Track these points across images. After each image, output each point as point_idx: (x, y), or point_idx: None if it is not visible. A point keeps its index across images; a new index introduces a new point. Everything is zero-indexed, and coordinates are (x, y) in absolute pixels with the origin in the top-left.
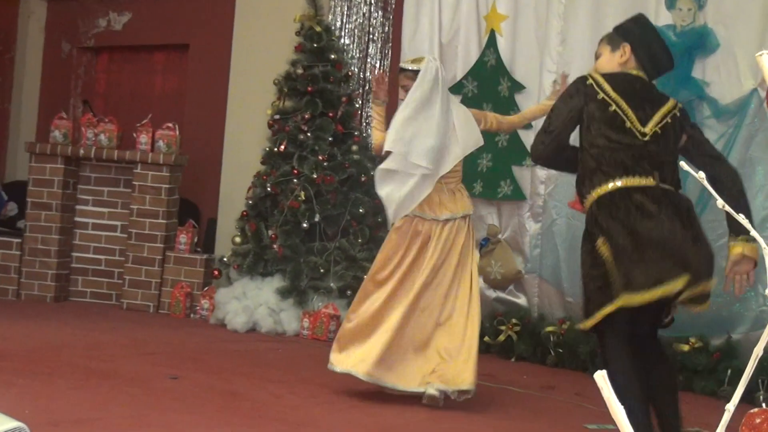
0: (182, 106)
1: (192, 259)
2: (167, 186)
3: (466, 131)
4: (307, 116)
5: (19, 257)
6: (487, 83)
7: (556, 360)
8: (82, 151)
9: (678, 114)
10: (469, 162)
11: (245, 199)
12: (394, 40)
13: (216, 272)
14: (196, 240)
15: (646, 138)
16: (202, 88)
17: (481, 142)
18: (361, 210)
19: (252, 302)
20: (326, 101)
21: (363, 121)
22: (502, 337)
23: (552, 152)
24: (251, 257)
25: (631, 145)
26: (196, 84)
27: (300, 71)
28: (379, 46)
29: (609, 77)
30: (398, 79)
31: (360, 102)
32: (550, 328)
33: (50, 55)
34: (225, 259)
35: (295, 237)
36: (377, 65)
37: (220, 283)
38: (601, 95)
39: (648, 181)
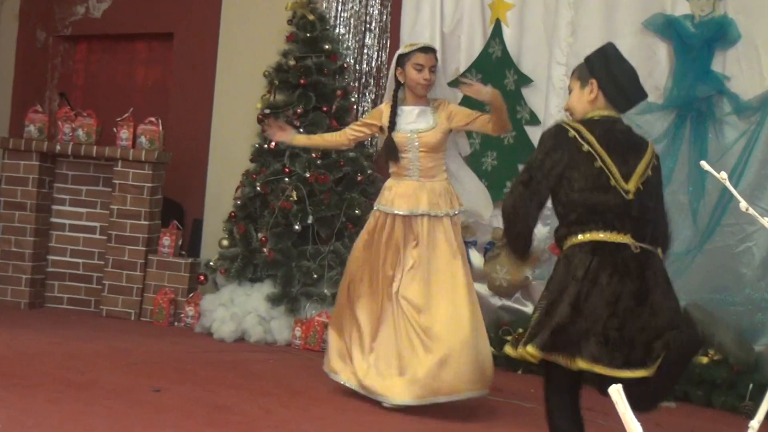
0: (166, 100)
1: (176, 264)
2: (150, 185)
3: None
4: (299, 111)
5: None
6: (492, 76)
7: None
8: (58, 147)
9: (656, 162)
10: (474, 161)
11: (233, 200)
12: (392, 30)
13: (202, 277)
14: (180, 243)
15: (630, 196)
16: (188, 79)
17: None
18: (357, 211)
19: (240, 310)
20: (320, 95)
21: (359, 116)
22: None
23: (534, 209)
24: (239, 261)
25: (613, 206)
26: (181, 75)
27: (292, 62)
28: (377, 36)
29: (590, 125)
30: (421, 59)
31: (356, 96)
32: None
33: (24, 44)
34: (211, 264)
35: (287, 240)
36: (374, 56)
37: (206, 289)
38: (586, 147)
39: (624, 239)
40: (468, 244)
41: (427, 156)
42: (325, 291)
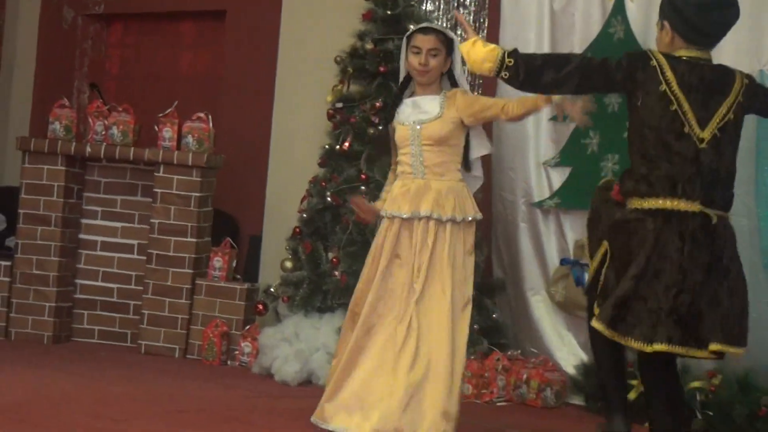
0: (217, 91)
1: (229, 290)
2: (198, 194)
3: None
4: (378, 104)
5: (8, 285)
6: None
7: (705, 425)
8: (88, 149)
9: (742, 99)
10: (592, 165)
11: (298, 212)
12: (491, 7)
13: (260, 306)
14: (234, 264)
15: (703, 144)
16: (243, 67)
17: None
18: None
19: (307, 346)
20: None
21: None
22: (633, 395)
23: (552, 86)
24: (306, 287)
25: (684, 158)
26: (235, 62)
27: (369, 46)
28: (472, 13)
29: (674, 63)
30: (418, 41)
31: (464, 34)
32: (695, 384)
33: (48, 25)
34: (272, 290)
35: (363, 261)
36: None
37: (266, 321)
38: (663, 86)
39: (692, 206)
40: (582, 266)
41: (432, 150)
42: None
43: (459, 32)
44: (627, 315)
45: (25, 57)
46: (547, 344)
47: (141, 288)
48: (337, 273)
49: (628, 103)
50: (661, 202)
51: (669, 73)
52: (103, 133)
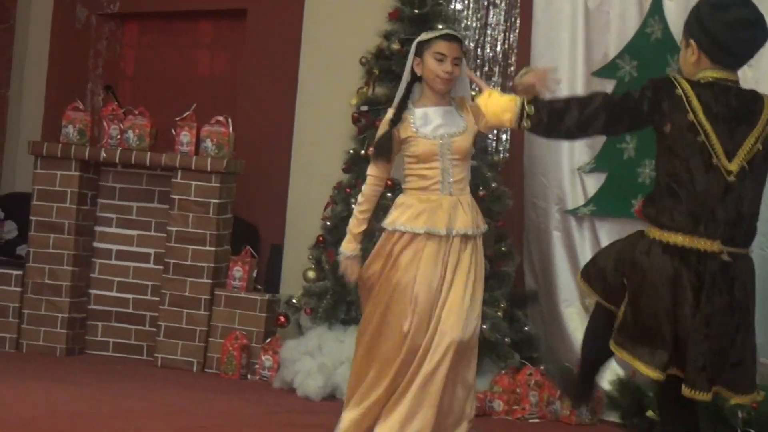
0: (237, 94)
1: (250, 301)
2: (217, 201)
3: None
4: None
5: (19, 295)
6: (651, 63)
7: None
8: (103, 154)
9: None
10: (629, 171)
11: (321, 220)
12: (522, 6)
13: (282, 318)
14: (255, 274)
15: (731, 177)
16: (264, 68)
17: None
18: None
19: (330, 360)
20: None
21: None
22: None
23: (578, 130)
24: (329, 298)
25: (710, 193)
26: (256, 63)
27: (396, 46)
28: (504, 12)
29: (699, 90)
30: (443, 48)
31: (477, 89)
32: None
33: (61, 25)
34: (294, 301)
35: None
36: (500, 38)
37: (288, 334)
38: (690, 116)
39: (713, 246)
40: None
41: (459, 165)
42: None
43: (473, 87)
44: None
45: (37, 58)
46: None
47: (157, 299)
48: None
49: (656, 131)
50: (681, 238)
51: (695, 102)
52: (118, 137)
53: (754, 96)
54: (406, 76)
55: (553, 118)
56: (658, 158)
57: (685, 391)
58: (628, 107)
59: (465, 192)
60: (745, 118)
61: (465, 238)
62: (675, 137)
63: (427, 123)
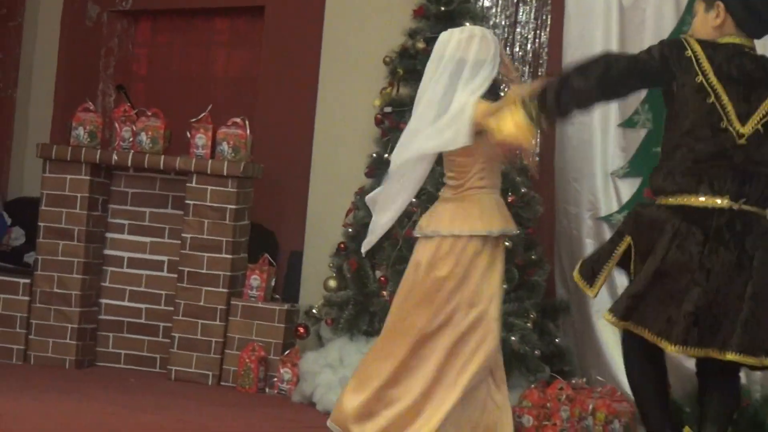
0: (255, 95)
1: (268, 311)
2: (233, 206)
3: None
4: None
5: (26, 305)
6: None
7: None
8: (115, 157)
9: None
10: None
11: (343, 227)
12: (554, 2)
13: (301, 329)
14: (273, 283)
15: (742, 140)
16: (283, 68)
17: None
18: (507, 243)
19: (352, 373)
20: None
21: None
22: None
23: (590, 97)
24: (351, 309)
25: (719, 153)
26: (275, 63)
27: (421, 45)
28: (534, 10)
29: (711, 51)
30: None
31: (506, 89)
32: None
33: (71, 22)
34: (314, 311)
35: None
36: (530, 37)
37: (308, 345)
38: (700, 78)
39: (720, 202)
40: None
41: None
42: None
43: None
44: (643, 307)
45: (46, 57)
46: (614, 372)
47: (171, 308)
48: (385, 293)
49: (664, 96)
50: (685, 199)
51: (705, 64)
52: (131, 139)
53: (766, 61)
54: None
55: (559, 93)
56: (666, 127)
57: (674, 348)
58: (637, 65)
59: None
60: (763, 81)
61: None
62: (682, 101)
63: None
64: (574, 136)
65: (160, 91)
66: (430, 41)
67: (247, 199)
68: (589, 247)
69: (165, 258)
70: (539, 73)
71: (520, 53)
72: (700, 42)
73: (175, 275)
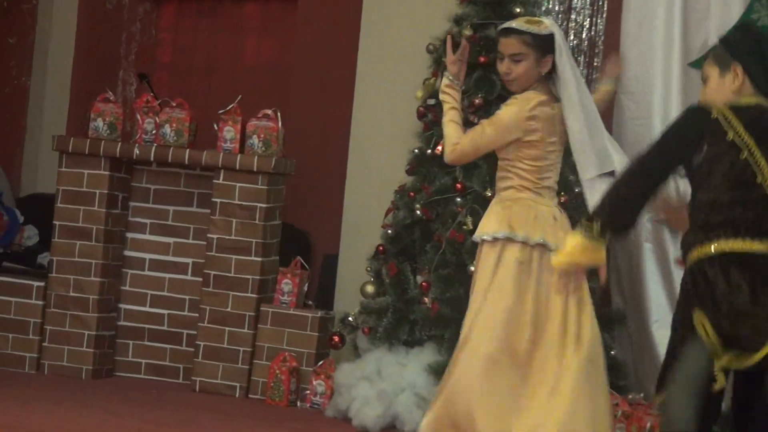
0: (287, 85)
1: (300, 318)
2: (264, 205)
3: None
4: (477, 101)
5: (41, 309)
6: None
7: None
8: (136, 151)
9: None
10: None
11: (382, 228)
12: None
13: (336, 338)
14: (306, 288)
15: None
16: (318, 56)
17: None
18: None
19: (391, 386)
20: None
21: None
22: None
23: (640, 197)
24: (390, 316)
25: (753, 204)
26: (309, 51)
27: (468, 32)
28: None
29: (738, 111)
30: (500, 47)
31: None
32: None
33: (90, 5)
34: (350, 319)
35: (458, 287)
36: (586, 24)
37: (343, 356)
38: (731, 135)
39: (759, 246)
40: None
41: (499, 163)
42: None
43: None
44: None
45: (62, 42)
46: None
47: (196, 315)
48: (427, 300)
49: (688, 166)
50: (730, 243)
51: (734, 121)
52: (154, 132)
53: None
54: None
55: (618, 207)
56: (693, 196)
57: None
58: (679, 146)
59: (500, 193)
60: None
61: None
62: (714, 161)
63: None
64: (632, 132)
65: (185, 80)
66: (478, 28)
67: (278, 197)
68: (648, 251)
69: (189, 260)
70: (595, 64)
71: (575, 42)
72: (728, 106)
73: (200, 279)
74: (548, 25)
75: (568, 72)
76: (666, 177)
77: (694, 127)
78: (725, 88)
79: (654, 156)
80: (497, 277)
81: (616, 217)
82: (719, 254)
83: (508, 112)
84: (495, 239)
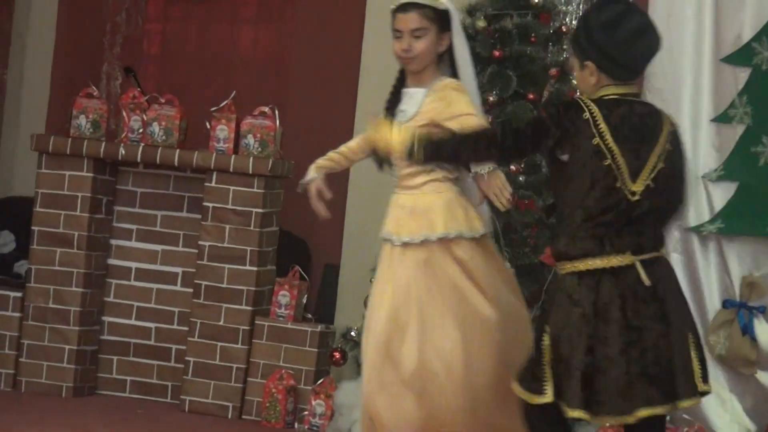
0: (285, 80)
1: (298, 333)
2: (260, 210)
3: None
4: (492, 99)
5: (17, 322)
6: None
7: None
8: (122, 151)
9: (670, 147)
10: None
11: None
12: None
13: (337, 355)
14: (305, 300)
15: (636, 197)
16: (318, 49)
17: None
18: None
19: None
20: (524, 74)
21: None
22: None
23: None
24: None
25: (614, 213)
26: (309, 43)
27: (481, 24)
28: None
29: (606, 110)
30: (398, 23)
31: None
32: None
33: None
34: (352, 334)
35: None
36: None
37: (344, 374)
38: (597, 140)
39: (625, 260)
40: (752, 310)
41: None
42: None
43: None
44: (597, 393)
45: (41, 32)
46: (703, 408)
47: (185, 329)
48: None
49: (550, 158)
50: (593, 261)
51: (602, 125)
52: (141, 130)
53: (650, 112)
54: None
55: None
56: (557, 189)
57: (644, 412)
58: (535, 131)
59: (418, 191)
60: (647, 137)
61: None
62: (578, 164)
63: (400, 106)
64: None
65: (174, 74)
66: (492, 20)
67: (275, 201)
68: (676, 263)
69: (179, 270)
70: None
71: None
72: (595, 101)
73: (191, 290)
74: (443, 0)
75: (466, 51)
76: (510, 157)
77: (568, 116)
78: (586, 81)
79: (514, 133)
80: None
81: (435, 154)
82: (587, 272)
83: (468, 97)
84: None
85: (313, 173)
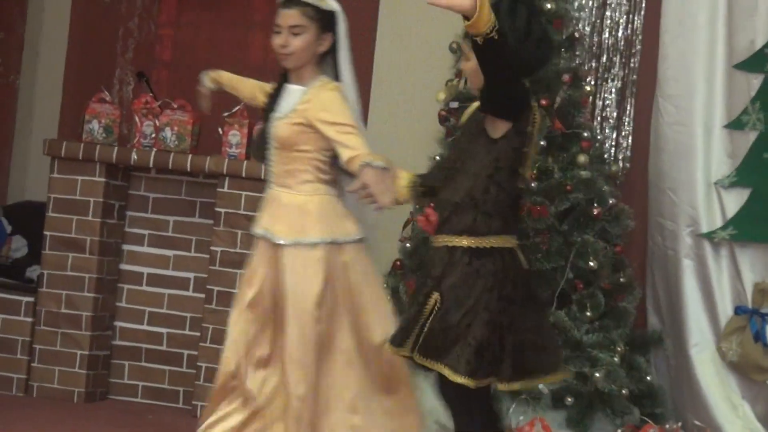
0: None
1: None
2: None
3: None
4: None
5: (29, 327)
6: None
7: None
8: (134, 156)
9: None
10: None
11: (399, 241)
12: None
13: None
14: None
15: (523, 183)
16: None
17: None
18: (592, 263)
19: None
20: (537, 80)
21: (598, 112)
22: None
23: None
24: None
25: (514, 197)
26: None
27: None
28: None
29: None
30: (278, 19)
31: (593, 82)
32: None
33: None
34: None
35: None
36: (622, 22)
37: None
38: (530, 128)
39: (509, 242)
40: (764, 317)
41: (280, 155)
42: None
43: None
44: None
45: (54, 38)
46: (715, 415)
47: (197, 334)
48: None
49: (481, 132)
50: (493, 240)
51: (537, 116)
52: (153, 135)
53: None
54: None
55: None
56: (472, 167)
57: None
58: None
59: (291, 190)
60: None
61: (274, 245)
62: (508, 145)
63: (281, 102)
64: (672, 139)
65: (187, 79)
66: None
67: None
68: (688, 269)
69: (191, 275)
70: (632, 65)
71: (610, 41)
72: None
73: (203, 295)
74: (331, 1)
75: (347, 53)
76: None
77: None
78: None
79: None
80: None
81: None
82: (489, 248)
83: (343, 101)
84: None
85: (209, 83)
